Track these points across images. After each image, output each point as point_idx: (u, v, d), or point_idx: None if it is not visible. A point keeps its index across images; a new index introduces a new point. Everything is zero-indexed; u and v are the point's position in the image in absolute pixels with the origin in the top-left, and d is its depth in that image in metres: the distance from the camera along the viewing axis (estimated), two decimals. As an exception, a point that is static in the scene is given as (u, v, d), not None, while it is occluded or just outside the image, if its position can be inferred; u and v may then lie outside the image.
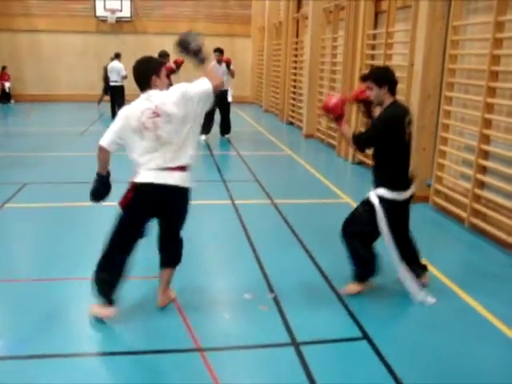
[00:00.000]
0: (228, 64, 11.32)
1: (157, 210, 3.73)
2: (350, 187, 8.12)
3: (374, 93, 4.07)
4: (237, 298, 4.22)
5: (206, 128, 11.51)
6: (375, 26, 9.03)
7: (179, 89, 3.62)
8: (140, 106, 3.60)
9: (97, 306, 3.76)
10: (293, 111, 14.22)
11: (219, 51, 11.20)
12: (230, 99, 11.67)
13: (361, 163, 9.28)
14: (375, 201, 4.11)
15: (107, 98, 15.67)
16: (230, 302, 4.18)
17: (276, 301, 4.11)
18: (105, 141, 3.65)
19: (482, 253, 5.40)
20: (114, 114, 14.73)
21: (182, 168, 3.65)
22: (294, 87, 14.10)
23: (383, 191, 4.11)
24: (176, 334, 3.64)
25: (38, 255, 5.06)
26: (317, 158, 10.25)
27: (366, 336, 3.64)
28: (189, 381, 3.14)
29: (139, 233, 3.77)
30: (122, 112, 3.68)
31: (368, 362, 3.35)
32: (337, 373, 3.26)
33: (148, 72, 3.67)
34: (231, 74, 11.44)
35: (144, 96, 3.64)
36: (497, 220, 5.56)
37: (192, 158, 3.71)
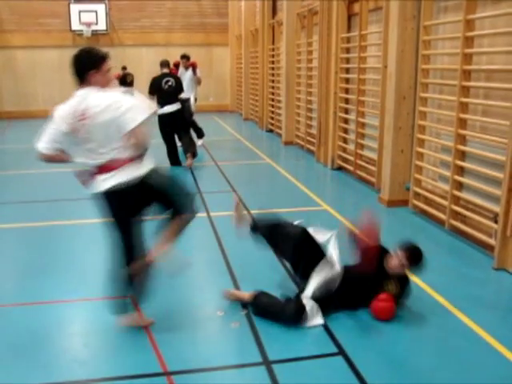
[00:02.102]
0: (194, 68, 11.12)
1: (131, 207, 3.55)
2: (329, 194, 7.99)
3: (399, 266, 3.95)
4: (208, 315, 4.05)
5: (199, 132, 11.43)
6: (348, 28, 8.93)
7: (113, 98, 3.33)
8: (71, 106, 3.33)
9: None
10: (272, 118, 14.10)
11: (185, 57, 11.12)
12: (193, 108, 11.33)
13: (340, 168, 9.15)
14: None
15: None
16: (201, 320, 4.00)
17: (248, 317, 3.95)
18: (40, 144, 3.39)
19: (462, 256, 5.28)
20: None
21: (112, 167, 3.38)
22: (273, 94, 13.99)
23: None
24: (142, 357, 3.46)
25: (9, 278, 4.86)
26: (295, 164, 10.10)
27: (341, 351, 3.48)
28: (153, 408, 2.97)
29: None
30: (56, 112, 3.40)
31: (343, 379, 3.19)
32: (310, 392, 3.10)
33: (86, 65, 3.34)
34: (197, 80, 11.25)
35: (79, 93, 3.35)
36: (476, 221, 5.44)
37: (122, 152, 3.37)
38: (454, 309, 4.07)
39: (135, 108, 3.34)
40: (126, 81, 16.33)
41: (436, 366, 3.35)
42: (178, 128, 9.28)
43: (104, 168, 3.40)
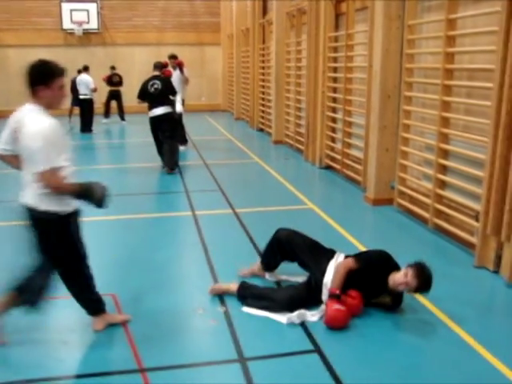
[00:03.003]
0: (180, 67, 10.96)
1: None
2: (316, 193, 8.01)
3: (403, 284, 3.80)
4: (188, 313, 4.05)
5: (183, 138, 11.33)
6: (336, 28, 8.95)
7: (33, 128, 3.13)
8: (14, 116, 3.28)
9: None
10: (263, 118, 14.12)
11: (173, 57, 11.06)
12: (179, 109, 10.84)
13: (328, 167, 9.18)
14: None
15: (77, 111, 15.45)
16: (181, 318, 4.00)
17: (227, 315, 3.96)
18: None
19: (445, 254, 5.31)
20: (83, 128, 14.53)
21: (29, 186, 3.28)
22: (263, 93, 14.01)
23: None
24: (118, 354, 3.47)
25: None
26: (284, 163, 10.12)
27: (317, 349, 3.49)
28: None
29: None
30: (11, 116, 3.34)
31: (317, 376, 3.20)
32: (283, 389, 3.12)
33: (36, 79, 3.19)
34: (184, 79, 11.07)
35: (23, 108, 3.26)
36: (459, 220, 5.47)
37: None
38: (433, 307, 4.08)
39: (44, 152, 3.12)
40: (112, 81, 16.36)
41: (411, 364, 3.37)
42: (164, 132, 8.97)
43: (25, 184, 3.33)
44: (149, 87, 8.90)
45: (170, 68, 11.03)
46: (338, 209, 6.94)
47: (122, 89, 16.33)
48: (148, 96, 8.96)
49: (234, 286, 4.23)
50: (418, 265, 3.82)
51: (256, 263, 4.66)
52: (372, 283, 3.98)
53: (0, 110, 18.44)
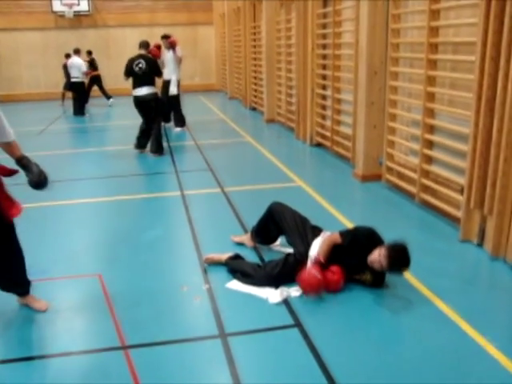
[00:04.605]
0: (172, 46, 10.81)
1: None
2: (305, 170, 8.00)
3: (376, 263, 3.80)
4: (172, 290, 4.09)
5: (181, 120, 11.29)
6: (324, 5, 8.88)
7: None
8: None
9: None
10: (255, 96, 14.07)
11: (165, 37, 10.94)
12: (174, 91, 10.97)
13: (319, 145, 9.17)
14: None
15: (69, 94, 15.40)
16: (165, 295, 4.02)
17: (210, 292, 4.00)
18: None
19: (431, 229, 5.33)
20: (76, 111, 14.49)
21: None
22: (255, 72, 13.94)
23: None
24: (101, 332, 3.52)
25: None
26: (276, 142, 10.12)
27: (297, 323, 3.53)
28: (109, 381, 3.02)
29: None
30: None
31: (296, 350, 3.24)
32: (262, 362, 3.16)
33: None
34: (177, 59, 10.88)
35: None
36: (445, 194, 5.49)
37: None
38: (416, 281, 4.11)
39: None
40: (95, 66, 16.31)
41: (391, 338, 3.42)
42: (148, 114, 8.94)
43: None
44: (134, 66, 8.81)
45: (163, 49, 10.91)
46: (326, 185, 6.95)
47: (116, 69, 16.26)
48: (133, 75, 8.87)
49: (223, 257, 4.38)
50: (393, 245, 3.80)
51: (247, 233, 4.87)
52: (354, 259, 4.00)
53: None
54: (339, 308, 3.78)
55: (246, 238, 4.86)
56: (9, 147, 3.49)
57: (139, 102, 8.89)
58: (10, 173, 3.46)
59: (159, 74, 9.16)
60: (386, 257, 3.74)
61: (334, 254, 4.02)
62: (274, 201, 4.67)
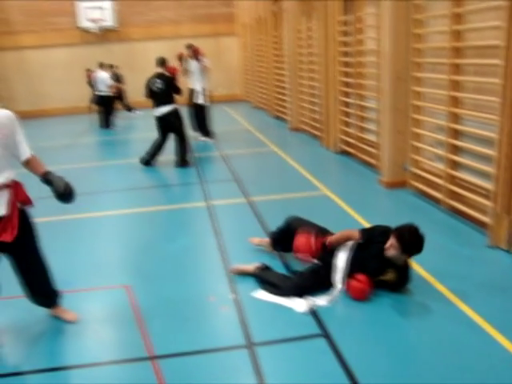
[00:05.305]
0: (196, 55, 10.79)
1: None
2: (331, 178, 7.98)
3: (391, 250, 3.91)
4: (200, 300, 4.11)
5: (208, 132, 11.35)
6: (346, 11, 8.87)
7: None
8: None
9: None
10: (279, 105, 14.09)
11: (189, 47, 11.01)
12: (200, 100, 11.02)
13: (344, 152, 9.15)
14: None
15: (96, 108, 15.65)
16: (192, 305, 4.05)
17: (237, 301, 4.02)
18: None
19: (458, 234, 5.27)
20: (103, 124, 14.69)
21: None
22: (279, 81, 13.96)
23: None
24: (130, 343, 3.56)
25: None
26: (301, 151, 10.09)
27: (325, 334, 3.52)
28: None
29: None
30: None
31: (324, 360, 3.23)
32: (290, 372, 3.15)
33: None
34: (203, 68, 10.86)
35: None
36: (472, 200, 5.42)
37: None
38: (443, 287, 4.08)
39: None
40: (119, 80, 16.65)
41: (419, 347, 3.38)
42: (170, 131, 9.03)
43: None
44: (152, 86, 8.90)
45: (189, 59, 10.90)
46: (352, 193, 6.92)
47: (140, 82, 16.48)
48: (152, 94, 8.96)
49: (250, 268, 4.40)
50: (400, 226, 3.93)
51: (266, 238, 4.94)
52: (375, 262, 4.01)
53: (24, 111, 18.97)
54: (365, 317, 3.76)
55: (266, 243, 4.90)
56: (29, 164, 3.53)
57: (160, 120, 9.03)
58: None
59: (177, 91, 9.08)
60: (397, 237, 3.85)
61: (356, 261, 4.05)
62: (291, 215, 4.67)
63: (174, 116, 8.99)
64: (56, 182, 3.49)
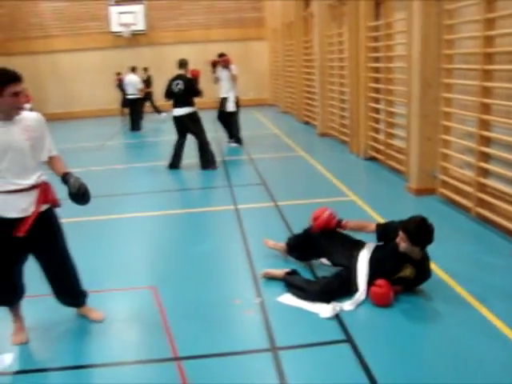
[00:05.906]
0: (225, 65, 10.90)
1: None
2: (358, 184, 7.94)
3: (401, 243, 3.98)
4: (225, 303, 4.14)
5: (236, 137, 11.41)
6: (376, 17, 8.84)
7: None
8: None
9: None
10: (308, 110, 14.09)
11: (220, 56, 11.09)
12: (230, 107, 11.02)
13: (372, 159, 9.10)
14: None
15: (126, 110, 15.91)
16: (218, 308, 4.08)
17: (262, 305, 4.03)
18: None
19: (486, 243, 5.19)
20: (132, 127, 14.89)
21: None
22: (308, 86, 13.97)
23: None
24: (154, 343, 3.60)
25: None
26: (329, 156, 10.07)
27: (349, 339, 3.51)
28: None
29: None
30: None
31: (347, 366, 3.22)
32: (312, 377, 3.15)
33: None
34: (232, 76, 10.93)
35: None
36: (503, 208, 5.34)
37: None
38: (470, 297, 4.03)
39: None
40: (149, 82, 17.01)
41: (443, 353, 3.35)
42: (186, 132, 9.15)
43: None
44: (173, 86, 9.01)
45: (220, 67, 11.00)
46: (379, 199, 6.88)
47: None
48: (173, 95, 9.07)
49: (279, 273, 4.42)
50: (404, 220, 4.01)
51: (281, 243, 4.92)
52: (391, 260, 4.03)
53: (54, 113, 19.37)
54: (389, 322, 3.74)
55: (281, 248, 4.89)
56: (51, 163, 3.57)
57: (176, 120, 9.15)
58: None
59: (196, 93, 9.14)
60: (403, 229, 3.92)
61: (375, 262, 4.10)
62: (311, 224, 4.66)
63: (191, 119, 9.08)
64: (71, 182, 3.49)
